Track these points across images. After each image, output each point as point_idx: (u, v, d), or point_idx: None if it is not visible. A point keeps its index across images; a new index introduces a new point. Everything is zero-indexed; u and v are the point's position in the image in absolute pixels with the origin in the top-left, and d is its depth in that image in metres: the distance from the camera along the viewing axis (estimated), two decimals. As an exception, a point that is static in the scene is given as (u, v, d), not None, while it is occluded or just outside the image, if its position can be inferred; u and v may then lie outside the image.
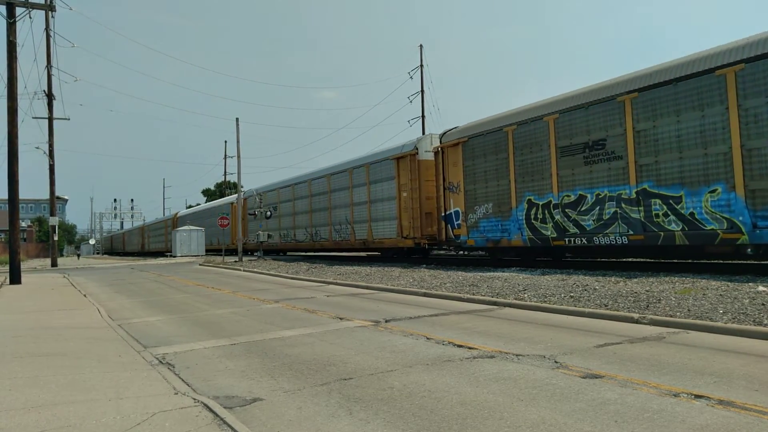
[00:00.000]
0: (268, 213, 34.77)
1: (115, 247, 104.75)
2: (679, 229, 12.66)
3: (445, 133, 20.72)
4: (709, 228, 12.11)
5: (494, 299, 10.97)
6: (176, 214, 64.18)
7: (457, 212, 19.68)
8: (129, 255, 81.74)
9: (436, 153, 20.77)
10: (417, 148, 21.99)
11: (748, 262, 13.11)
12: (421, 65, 46.03)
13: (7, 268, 22.85)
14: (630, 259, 16.83)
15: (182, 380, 5.90)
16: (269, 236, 34.52)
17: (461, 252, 23.85)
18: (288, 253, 38.76)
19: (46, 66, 37.24)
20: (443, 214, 20.29)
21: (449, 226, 20.02)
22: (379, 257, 26.89)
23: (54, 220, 38.04)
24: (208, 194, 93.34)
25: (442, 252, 25.80)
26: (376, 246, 25.06)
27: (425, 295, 12.72)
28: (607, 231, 14.27)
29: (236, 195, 42.25)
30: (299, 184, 32.53)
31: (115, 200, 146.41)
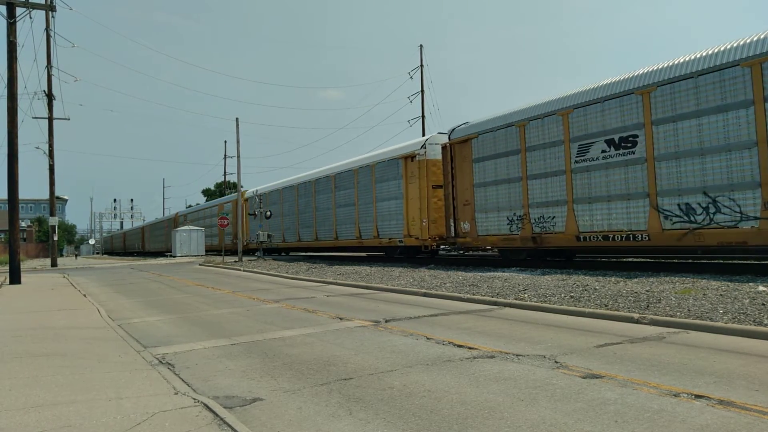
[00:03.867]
0: (268, 213, 34.71)
1: (115, 247, 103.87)
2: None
3: (453, 129, 20.28)
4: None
5: (494, 299, 10.97)
6: (176, 213, 63.61)
7: (466, 210, 19.28)
8: (129, 255, 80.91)
9: (444, 148, 20.21)
10: (425, 147, 21.55)
11: (748, 262, 13.11)
12: (422, 65, 46.08)
13: (7, 268, 22.84)
14: (630, 259, 16.84)
15: (182, 380, 5.90)
16: (269, 236, 34.49)
17: (467, 252, 23.42)
18: (291, 253, 38.40)
19: (46, 66, 37.25)
20: (452, 213, 19.87)
21: (460, 224, 19.56)
22: (382, 257, 26.31)
23: (54, 220, 38.03)
24: (208, 194, 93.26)
25: (452, 252, 25.25)
26: (384, 245, 24.53)
27: (425, 295, 12.72)
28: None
29: (236, 194, 42.20)
30: (303, 184, 32.26)
31: (115, 200, 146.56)
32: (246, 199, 40.01)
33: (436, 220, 20.96)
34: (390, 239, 23.41)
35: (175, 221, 60.64)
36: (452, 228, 19.91)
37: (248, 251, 39.82)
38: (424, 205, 21.23)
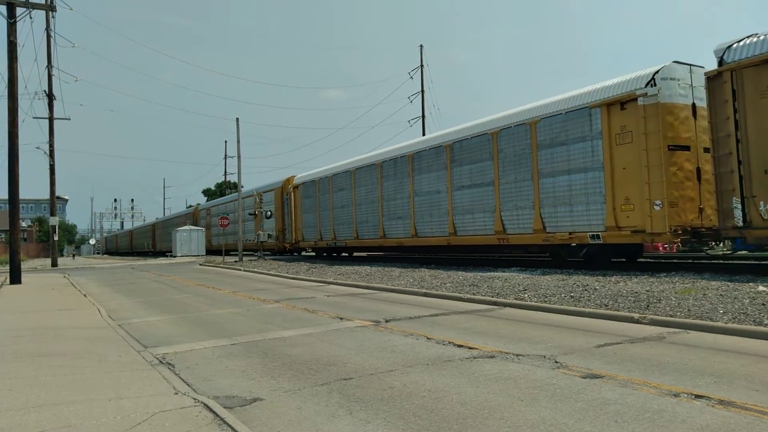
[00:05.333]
0: (268, 213, 34.70)
1: (120, 246, 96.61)
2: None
3: (731, 46, 11.99)
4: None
5: (494, 299, 10.97)
6: (197, 207, 56.96)
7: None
8: (137, 255, 74.76)
9: (713, 79, 12.18)
10: (655, 83, 13.50)
11: (748, 262, 13.11)
12: (422, 65, 45.97)
13: (7, 268, 22.85)
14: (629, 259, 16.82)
15: (182, 380, 5.90)
16: (269, 236, 34.48)
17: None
18: (355, 254, 31.32)
19: (47, 66, 37.24)
20: (735, 186, 11.75)
21: (755, 206, 11.45)
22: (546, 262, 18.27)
23: (54, 220, 38.03)
24: (209, 194, 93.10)
25: (726, 253, 16.71)
26: (555, 243, 16.24)
27: (425, 295, 12.72)
28: None
29: (278, 182, 36.23)
30: (390, 161, 23.65)
31: (115, 200, 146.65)
32: (297, 187, 32.17)
33: (678, 201, 13.34)
34: (571, 234, 15.42)
35: (195, 216, 53.93)
36: (736, 212, 11.72)
37: (293, 251, 33.88)
38: (656, 177, 13.35)
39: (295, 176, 33.37)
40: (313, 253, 33.92)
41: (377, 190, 24.18)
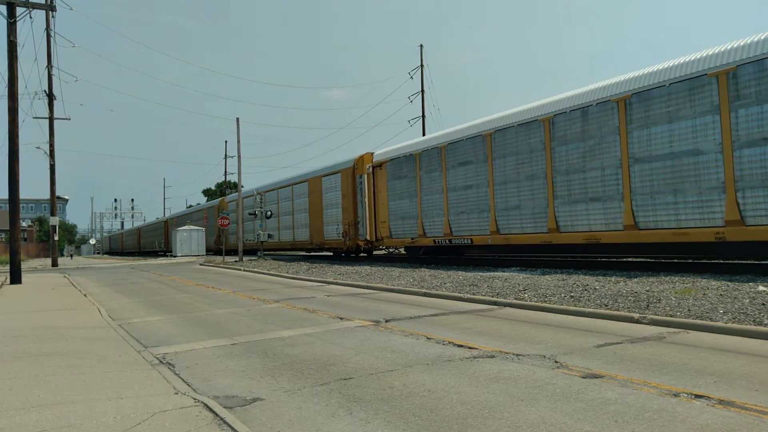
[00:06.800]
0: (269, 213, 34.65)
1: (126, 246, 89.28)
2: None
3: None
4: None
5: (494, 299, 10.97)
6: (222, 200, 48.34)
7: None
8: (145, 255, 67.08)
9: None
10: None
11: (748, 262, 13.10)
12: (422, 65, 45.95)
13: (7, 267, 22.86)
14: (630, 259, 16.83)
15: (182, 380, 5.90)
16: (269, 236, 34.45)
17: None
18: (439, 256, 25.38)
19: (47, 66, 37.26)
20: None
21: None
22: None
23: (54, 220, 38.05)
24: (209, 194, 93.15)
25: None
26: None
27: (425, 295, 12.72)
28: None
29: (349, 160, 27.20)
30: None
31: (115, 200, 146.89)
32: (380, 165, 24.17)
33: None
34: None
35: (220, 209, 45.18)
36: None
37: (369, 250, 26.77)
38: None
39: (373, 152, 25.45)
40: (404, 253, 25.79)
41: (543, 159, 16.36)
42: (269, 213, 34.53)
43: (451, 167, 19.91)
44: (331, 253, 30.26)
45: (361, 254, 27.64)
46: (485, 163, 18.37)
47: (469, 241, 19.10)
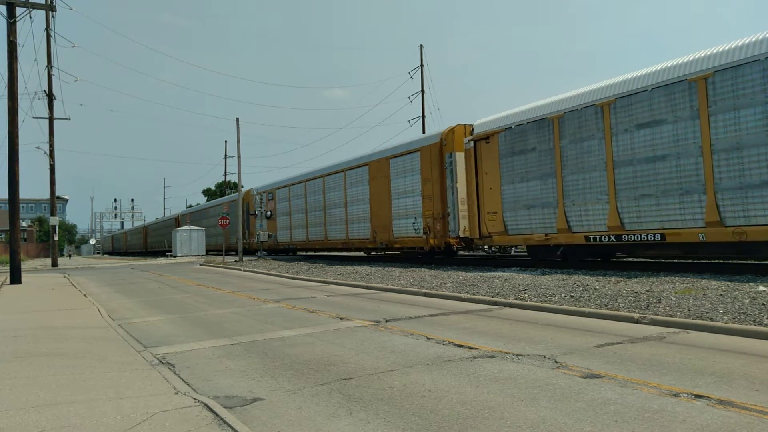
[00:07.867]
0: (269, 213, 34.68)
1: (130, 245, 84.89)
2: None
3: None
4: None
5: (494, 299, 10.97)
6: (249, 191, 39.83)
7: None
8: (152, 255, 62.39)
9: None
10: None
11: (748, 262, 13.11)
12: (422, 65, 45.92)
13: (7, 267, 22.86)
14: (630, 259, 16.84)
15: (182, 380, 5.90)
16: (269, 236, 34.49)
17: None
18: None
19: (47, 66, 37.25)
20: None
21: None
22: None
23: (54, 220, 38.05)
24: (209, 194, 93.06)
25: None
26: None
27: (425, 295, 12.72)
28: None
29: (428, 136, 21.69)
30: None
31: (115, 200, 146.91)
32: (485, 138, 18.18)
33: None
34: None
35: (245, 201, 38.31)
36: None
37: (462, 249, 20.50)
38: None
39: (468, 124, 19.56)
40: (522, 252, 20.64)
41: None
42: (269, 213, 34.59)
43: (622, 131, 14.10)
44: (401, 255, 24.16)
45: (455, 256, 21.69)
46: (694, 120, 12.52)
47: (659, 238, 13.29)
